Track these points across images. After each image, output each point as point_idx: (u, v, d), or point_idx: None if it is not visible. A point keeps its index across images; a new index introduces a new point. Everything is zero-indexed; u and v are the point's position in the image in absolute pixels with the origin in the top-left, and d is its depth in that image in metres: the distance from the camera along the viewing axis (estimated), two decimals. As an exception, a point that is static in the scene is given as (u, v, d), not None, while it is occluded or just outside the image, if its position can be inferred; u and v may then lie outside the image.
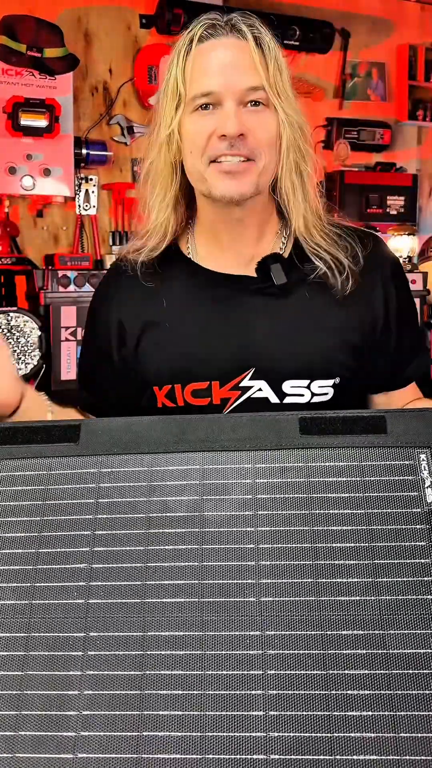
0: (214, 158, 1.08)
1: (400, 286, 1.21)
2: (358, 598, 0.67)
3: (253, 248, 1.17)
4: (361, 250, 1.16)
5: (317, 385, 1.14)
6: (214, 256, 1.19)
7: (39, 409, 1.08)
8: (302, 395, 1.13)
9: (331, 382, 1.14)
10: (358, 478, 0.73)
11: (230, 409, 1.14)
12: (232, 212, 1.12)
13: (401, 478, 0.72)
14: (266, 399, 1.13)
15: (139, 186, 1.21)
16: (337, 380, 1.14)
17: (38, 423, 0.82)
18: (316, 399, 1.14)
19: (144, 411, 1.19)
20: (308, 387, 1.14)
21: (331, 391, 1.14)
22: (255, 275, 1.15)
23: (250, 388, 1.14)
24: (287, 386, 1.13)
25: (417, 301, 3.46)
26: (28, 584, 0.71)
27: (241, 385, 1.14)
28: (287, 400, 1.13)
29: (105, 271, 2.97)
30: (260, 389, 1.13)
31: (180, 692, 0.64)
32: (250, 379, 1.13)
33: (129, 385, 1.21)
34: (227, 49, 1.07)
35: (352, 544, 0.69)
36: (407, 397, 1.23)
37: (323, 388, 1.14)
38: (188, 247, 1.20)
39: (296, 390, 1.13)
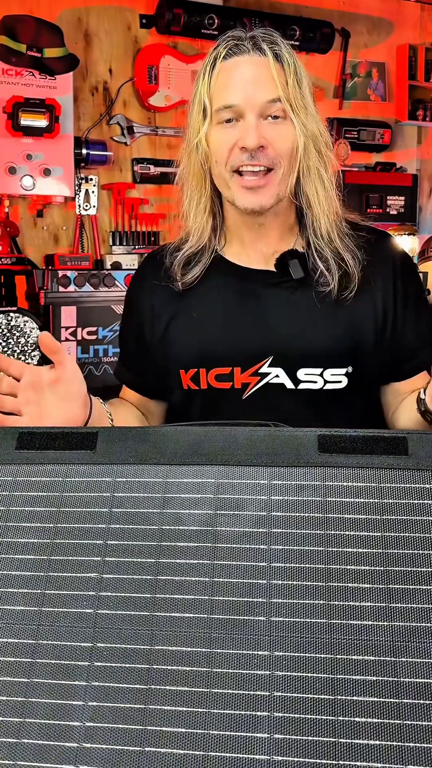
0: (237, 168, 1.15)
1: (407, 280, 1.28)
2: (370, 622, 0.66)
3: (274, 246, 1.25)
4: (370, 247, 1.23)
5: (330, 373, 1.22)
6: (239, 251, 1.27)
7: (101, 418, 1.15)
8: (315, 382, 1.22)
9: (343, 371, 1.22)
10: (376, 500, 0.72)
11: (250, 393, 1.22)
12: (255, 219, 1.21)
13: (421, 501, 0.71)
14: (282, 385, 1.21)
15: (176, 188, 1.30)
16: (350, 369, 1.22)
17: (57, 429, 0.82)
18: (329, 386, 1.22)
19: (171, 391, 1.30)
20: (321, 375, 1.21)
21: (344, 380, 1.22)
22: (275, 270, 1.23)
23: (268, 374, 1.22)
24: (301, 373, 1.21)
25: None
26: (39, 591, 0.70)
27: (260, 371, 1.22)
28: (301, 386, 1.21)
29: (104, 272, 2.99)
30: (277, 375, 1.22)
31: (184, 709, 0.63)
32: (269, 366, 1.22)
33: (159, 365, 1.30)
34: (248, 66, 1.15)
35: (367, 567, 0.68)
36: (417, 386, 1.28)
37: (336, 376, 1.22)
38: (216, 241, 1.28)
39: (310, 377, 1.22)
